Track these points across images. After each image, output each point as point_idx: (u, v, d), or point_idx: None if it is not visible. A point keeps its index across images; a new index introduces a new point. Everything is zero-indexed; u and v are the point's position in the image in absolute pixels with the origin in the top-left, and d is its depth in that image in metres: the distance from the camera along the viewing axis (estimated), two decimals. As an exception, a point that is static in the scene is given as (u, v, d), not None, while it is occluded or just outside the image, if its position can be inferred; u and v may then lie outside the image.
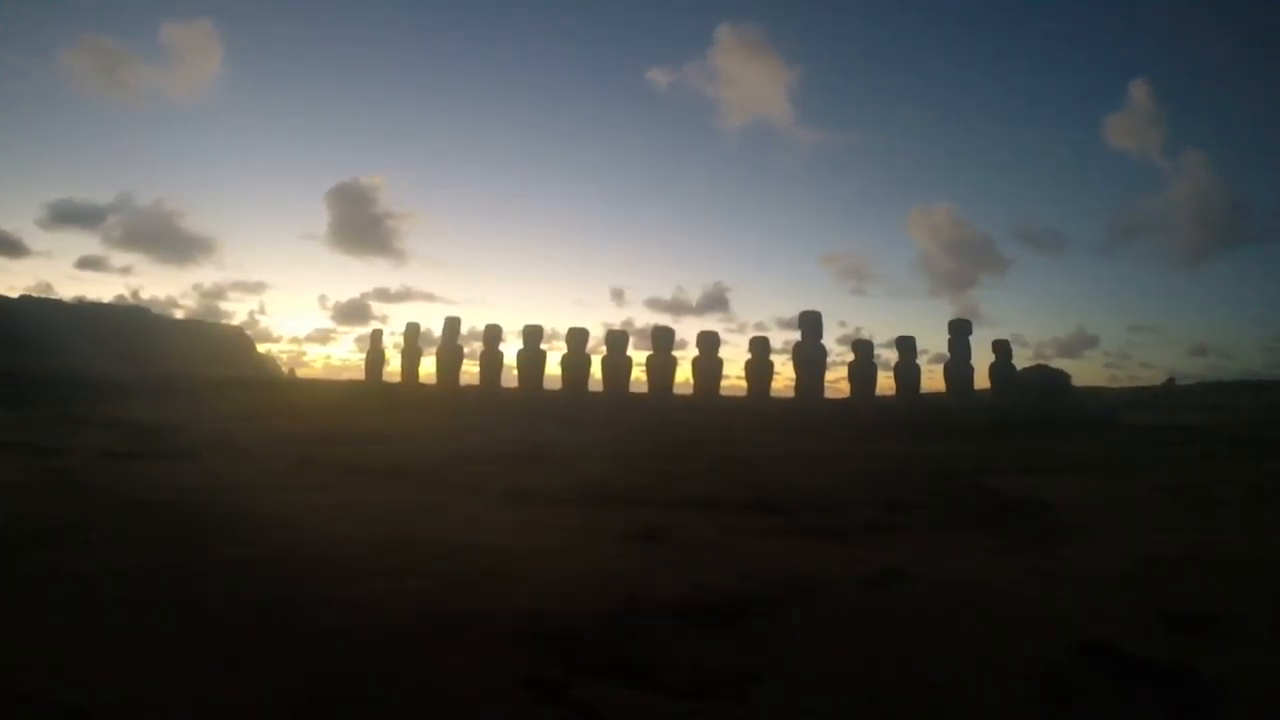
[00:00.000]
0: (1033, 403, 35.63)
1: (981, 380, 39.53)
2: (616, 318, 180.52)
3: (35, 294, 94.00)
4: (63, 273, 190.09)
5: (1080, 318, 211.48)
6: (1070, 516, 13.20)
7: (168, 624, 6.83)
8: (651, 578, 8.92)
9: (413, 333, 44.61)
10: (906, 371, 39.13)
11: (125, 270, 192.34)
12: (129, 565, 8.69)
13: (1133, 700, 5.66)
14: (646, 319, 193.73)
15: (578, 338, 40.83)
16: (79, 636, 6.39)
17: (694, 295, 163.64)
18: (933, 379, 40.50)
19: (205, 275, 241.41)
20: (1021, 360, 41.54)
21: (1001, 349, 39.46)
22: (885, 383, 39.63)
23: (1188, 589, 8.54)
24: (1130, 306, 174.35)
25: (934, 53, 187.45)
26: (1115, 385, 58.88)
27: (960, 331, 39.40)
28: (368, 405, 37.37)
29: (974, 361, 39.28)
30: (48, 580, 8.02)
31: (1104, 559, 10.32)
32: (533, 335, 41.67)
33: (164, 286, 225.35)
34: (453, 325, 43.41)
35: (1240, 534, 11.69)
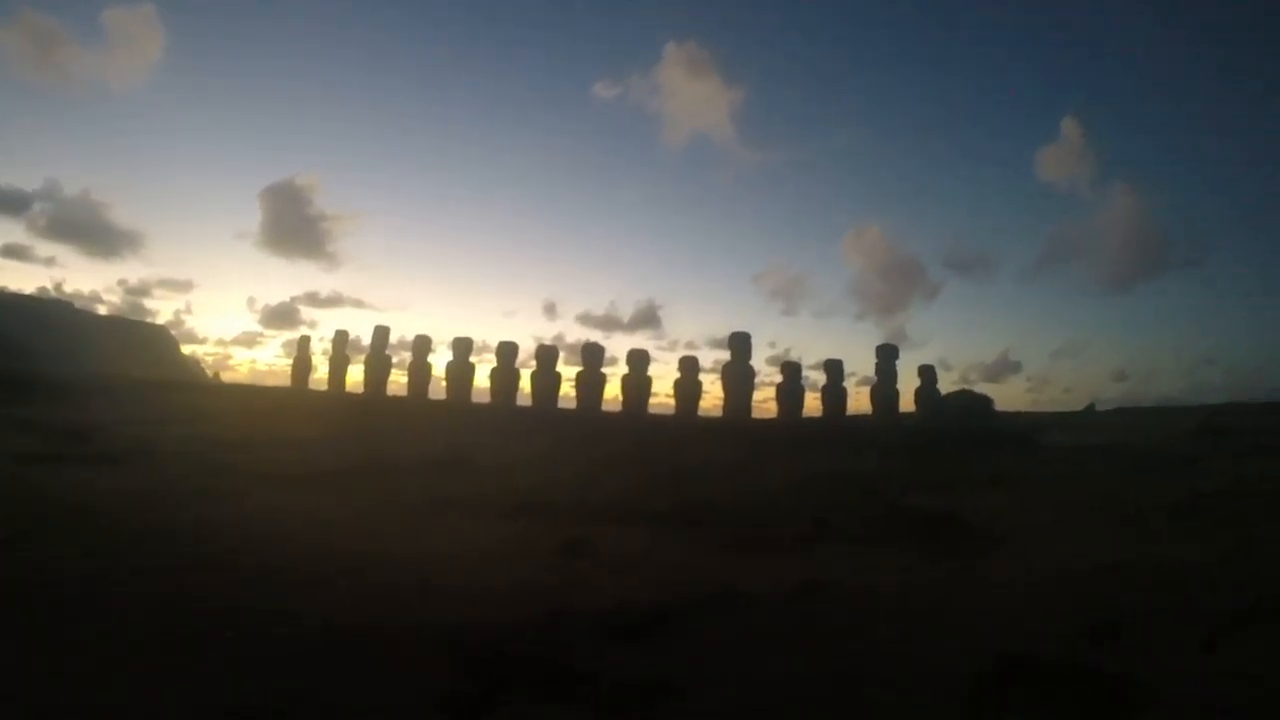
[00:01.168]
0: (956, 423, 36.50)
1: (907, 404, 40.44)
2: (548, 331, 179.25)
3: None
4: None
5: (1005, 342, 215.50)
6: (991, 531, 13.48)
7: (85, 635, 6.71)
8: (576, 591, 8.94)
9: (341, 340, 44.01)
10: (834, 394, 39.77)
11: (49, 261, 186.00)
12: (48, 576, 8.50)
13: (1052, 708, 5.77)
14: (578, 334, 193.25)
15: (507, 351, 40.78)
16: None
17: (627, 311, 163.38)
18: (859, 401, 41.28)
19: (131, 270, 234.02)
20: (946, 384, 42.58)
21: (926, 374, 40.70)
22: (813, 404, 40.27)
23: (1105, 599, 8.72)
24: (1053, 332, 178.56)
25: (873, 78, 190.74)
26: (1037, 409, 60.35)
27: (887, 356, 40.67)
28: (292, 412, 36.95)
29: (900, 385, 40.37)
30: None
31: (1023, 572, 10.51)
32: (462, 347, 41.44)
33: (88, 280, 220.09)
34: (382, 334, 42.91)
35: (1155, 546, 11.98)
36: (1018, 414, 49.74)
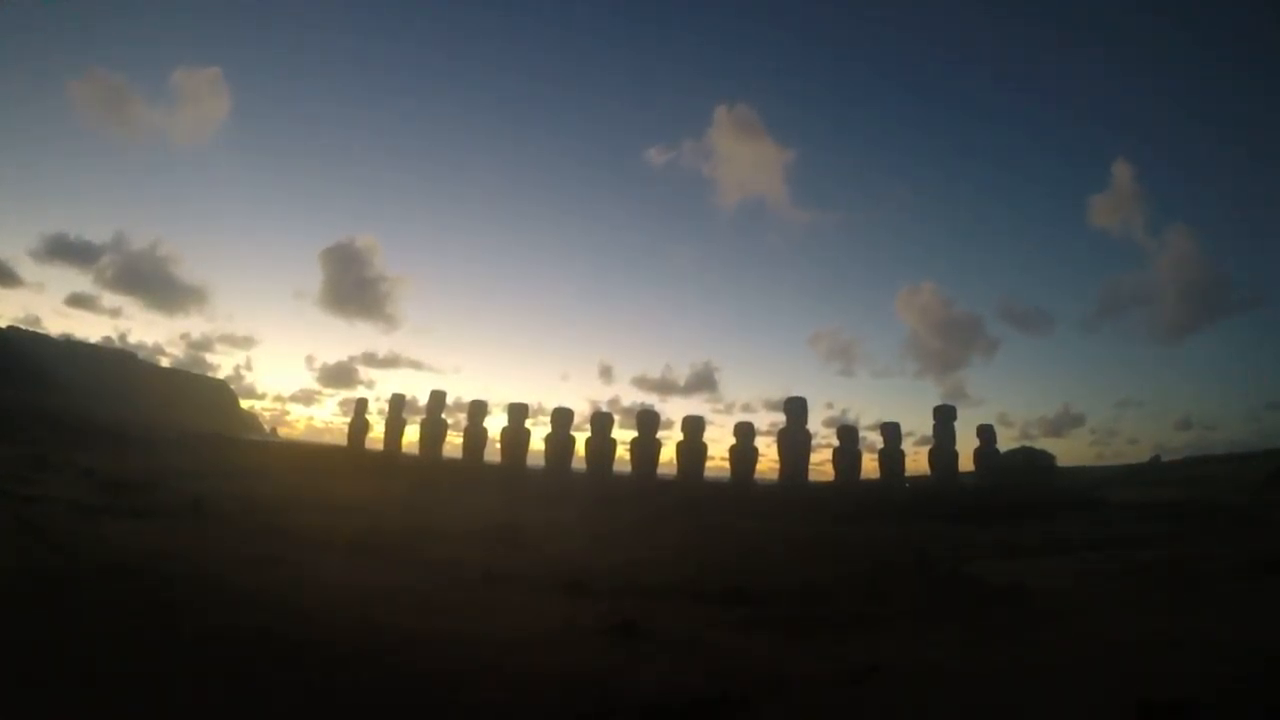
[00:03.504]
0: (1016, 484, 35.55)
1: (966, 463, 39.65)
2: (603, 395, 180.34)
3: (24, 326, 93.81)
4: (52, 308, 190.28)
5: (1066, 396, 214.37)
6: (1050, 603, 13.03)
7: (119, 701, 6.61)
8: (626, 677, 8.69)
9: (398, 403, 44.58)
10: (891, 457, 39.21)
11: (115, 312, 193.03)
12: (87, 634, 8.45)
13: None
14: (634, 397, 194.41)
15: (563, 417, 40.71)
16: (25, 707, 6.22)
17: (682, 374, 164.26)
18: (917, 460, 40.64)
19: (194, 325, 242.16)
20: (1006, 441, 41.71)
21: (985, 433, 39.81)
22: (870, 465, 39.66)
23: (1167, 676, 8.31)
24: (1116, 383, 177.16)
25: (923, 135, 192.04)
26: (1101, 463, 58.84)
27: (945, 417, 39.77)
28: (347, 474, 36.98)
29: (959, 446, 39.58)
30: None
31: (1083, 647, 10.11)
32: (517, 413, 41.57)
33: (152, 332, 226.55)
34: (438, 399, 43.36)
35: (1220, 616, 11.54)
36: (1080, 469, 48.48)
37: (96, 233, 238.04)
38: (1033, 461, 40.13)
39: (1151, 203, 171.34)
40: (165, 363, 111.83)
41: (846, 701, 7.91)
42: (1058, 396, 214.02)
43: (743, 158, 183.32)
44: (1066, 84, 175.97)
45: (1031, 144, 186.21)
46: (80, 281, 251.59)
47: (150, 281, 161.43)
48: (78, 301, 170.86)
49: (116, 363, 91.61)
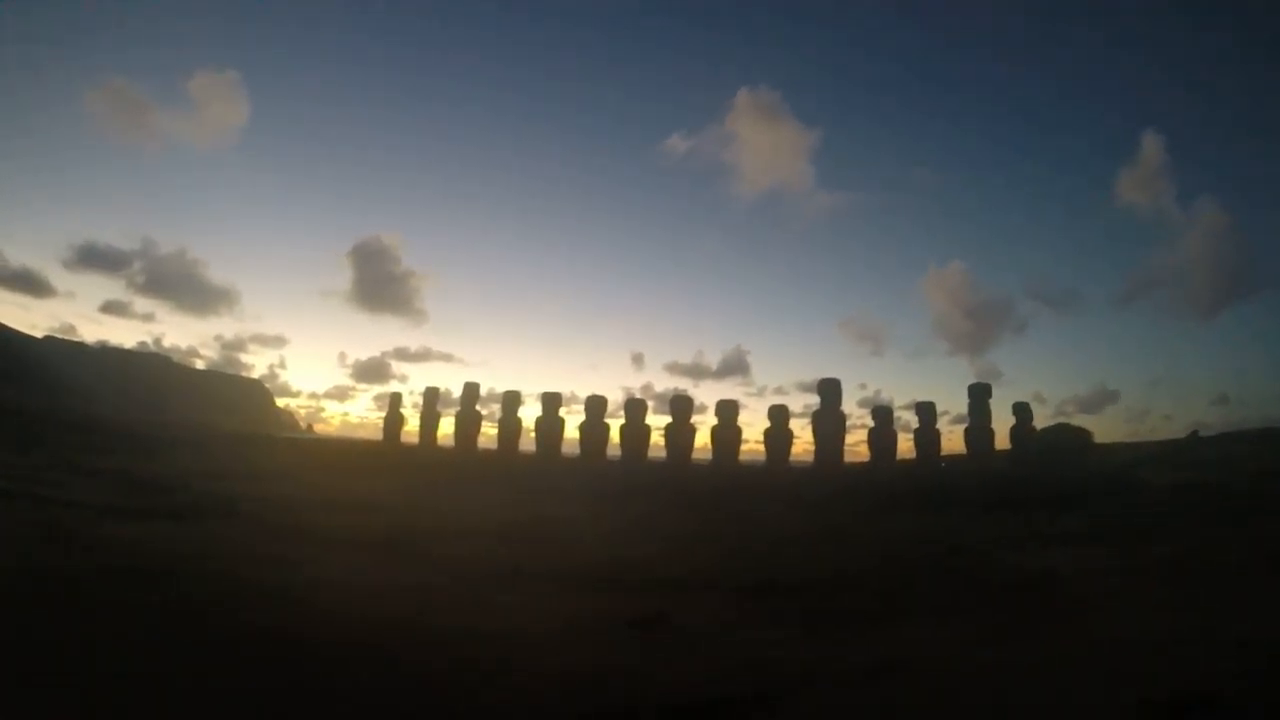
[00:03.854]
0: (1051, 466, 34.97)
1: (1003, 441, 39.29)
2: (636, 382, 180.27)
3: (59, 335, 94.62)
4: (86, 315, 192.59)
5: (1100, 373, 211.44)
6: (1082, 594, 12.91)
7: (146, 703, 6.60)
8: (650, 673, 8.71)
9: (432, 396, 44.69)
10: (926, 437, 38.94)
11: (148, 317, 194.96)
12: (115, 636, 8.44)
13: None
14: (666, 383, 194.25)
15: (596, 405, 40.59)
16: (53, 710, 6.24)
17: (714, 359, 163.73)
18: (952, 439, 40.41)
19: (226, 326, 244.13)
20: (1042, 419, 40.95)
21: (1021, 412, 39.28)
22: (905, 445, 39.54)
23: (1193, 671, 8.21)
24: (1150, 359, 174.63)
25: (947, 113, 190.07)
26: (1137, 440, 57.98)
27: (980, 395, 39.43)
28: (383, 467, 36.96)
29: (995, 424, 39.22)
30: (28, 647, 7.82)
31: (1110, 640, 9.99)
32: (551, 402, 41.50)
33: (185, 335, 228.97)
34: (472, 391, 43.45)
35: (1251, 608, 11.40)
36: (1116, 446, 47.70)
37: (125, 240, 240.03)
38: (1070, 439, 39.42)
39: (1180, 176, 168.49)
40: (200, 364, 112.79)
41: (871, 697, 7.86)
42: (1091, 374, 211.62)
43: (766, 140, 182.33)
44: (1093, 54, 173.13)
45: (1057, 119, 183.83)
46: (112, 288, 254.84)
47: (180, 285, 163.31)
48: (111, 308, 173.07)
49: (151, 367, 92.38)
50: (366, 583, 13.02)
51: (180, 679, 7.31)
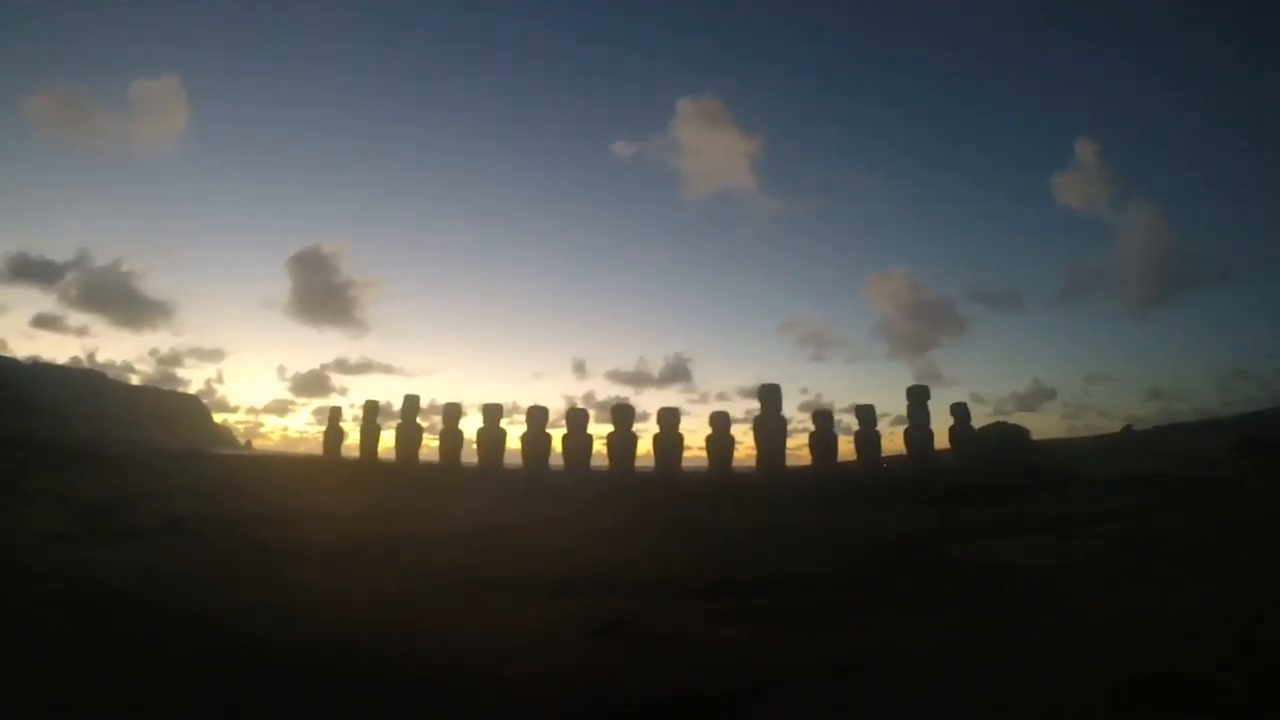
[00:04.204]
0: (992, 462, 35.76)
1: (942, 442, 39.90)
2: (578, 390, 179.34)
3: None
4: (18, 330, 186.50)
5: (1038, 371, 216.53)
6: (1035, 582, 13.16)
7: None
8: (611, 675, 8.71)
9: (372, 410, 44.13)
10: (867, 439, 39.37)
11: (81, 331, 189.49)
12: (68, 665, 8.30)
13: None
14: (609, 391, 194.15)
15: (538, 415, 40.62)
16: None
17: (656, 366, 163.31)
18: (893, 441, 40.93)
19: (162, 340, 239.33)
20: (981, 418, 41.87)
21: (959, 411, 40.04)
22: (846, 448, 39.86)
23: (1153, 652, 8.45)
24: (1086, 357, 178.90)
25: (886, 120, 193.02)
26: (1074, 435, 59.56)
27: (918, 397, 39.99)
28: (325, 484, 36.74)
29: (934, 425, 39.78)
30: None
31: (1070, 625, 10.25)
32: (492, 413, 41.36)
33: (121, 349, 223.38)
34: (412, 403, 42.98)
35: (1202, 587, 11.76)
36: (1054, 442, 48.97)
37: (58, 251, 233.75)
38: (1008, 437, 40.39)
39: (1116, 179, 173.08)
40: (135, 380, 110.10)
41: (836, 692, 7.91)
42: (1029, 372, 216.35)
43: (710, 147, 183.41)
44: (1028, 61, 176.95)
45: (996, 124, 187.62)
46: (44, 301, 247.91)
47: (115, 298, 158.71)
48: (43, 322, 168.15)
49: (85, 382, 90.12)
50: (321, 597, 12.77)
51: (134, 709, 7.16)
